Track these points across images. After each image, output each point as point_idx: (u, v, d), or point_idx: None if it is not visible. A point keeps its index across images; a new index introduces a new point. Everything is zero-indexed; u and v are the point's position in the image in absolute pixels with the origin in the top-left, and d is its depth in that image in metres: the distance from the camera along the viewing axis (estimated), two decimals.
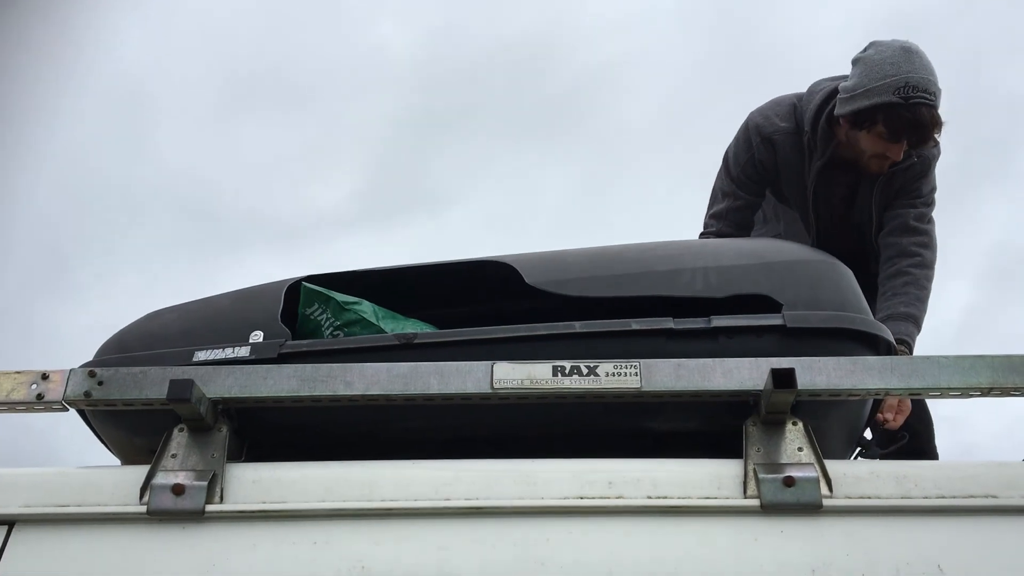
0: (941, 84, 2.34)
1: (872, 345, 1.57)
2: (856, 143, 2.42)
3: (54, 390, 1.46)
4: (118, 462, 1.75)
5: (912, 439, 2.36)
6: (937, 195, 2.56)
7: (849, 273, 1.69)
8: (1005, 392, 1.40)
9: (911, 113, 2.28)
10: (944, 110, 2.34)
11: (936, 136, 2.33)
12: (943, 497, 1.31)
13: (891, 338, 1.58)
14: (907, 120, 2.29)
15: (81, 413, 1.65)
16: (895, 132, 2.32)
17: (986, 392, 1.40)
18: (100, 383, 1.46)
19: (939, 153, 2.50)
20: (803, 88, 2.66)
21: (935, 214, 2.56)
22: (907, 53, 2.30)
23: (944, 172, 2.59)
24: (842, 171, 2.51)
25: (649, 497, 1.33)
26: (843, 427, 1.59)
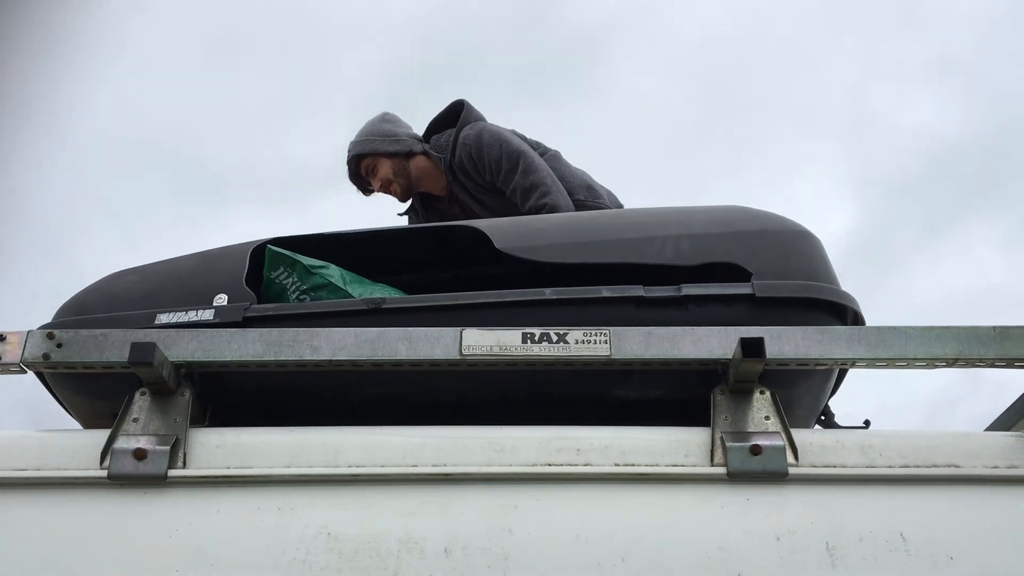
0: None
1: (840, 315, 1.57)
2: None
3: (11, 352, 1.42)
4: (78, 426, 1.72)
5: None
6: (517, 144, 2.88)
7: (818, 242, 1.69)
8: (970, 363, 1.41)
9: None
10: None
11: (370, 176, 3.05)
12: (907, 466, 1.32)
13: (859, 308, 1.59)
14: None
15: (40, 376, 1.61)
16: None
17: (951, 363, 1.41)
18: (59, 345, 1.42)
19: (482, 135, 2.88)
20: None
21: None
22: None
23: None
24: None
25: (617, 464, 1.33)
26: (809, 396, 1.60)
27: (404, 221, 3.20)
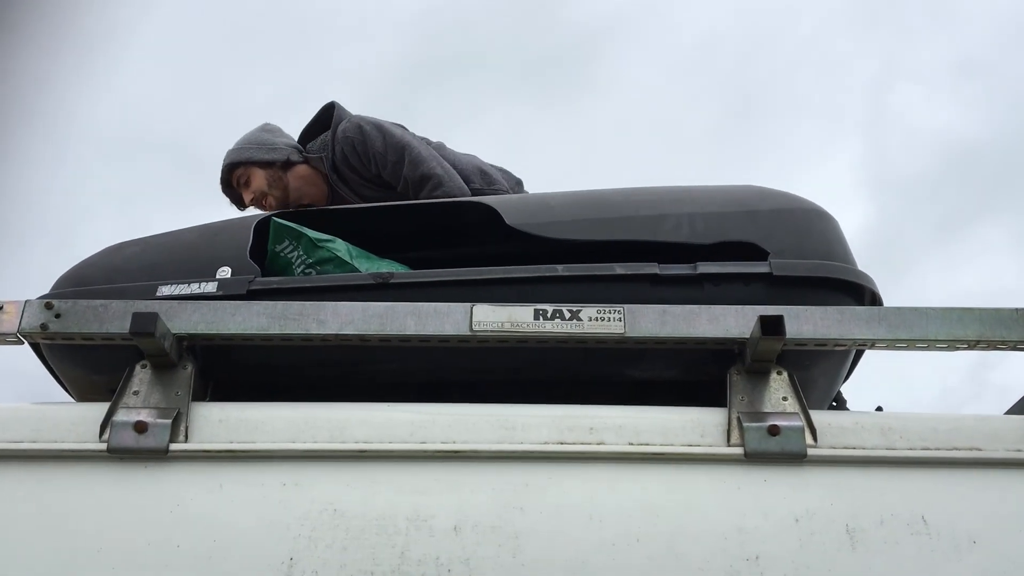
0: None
1: (857, 295, 1.54)
2: None
3: (8, 322, 1.39)
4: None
5: None
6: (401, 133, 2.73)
7: (835, 222, 1.66)
8: (992, 345, 1.38)
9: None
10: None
11: (242, 187, 2.80)
12: (928, 449, 1.29)
13: (876, 288, 1.56)
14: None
15: (35, 347, 1.57)
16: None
17: (973, 345, 1.38)
18: (58, 315, 1.39)
19: (363, 126, 2.70)
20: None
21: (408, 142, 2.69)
22: None
23: None
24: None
25: (631, 444, 1.30)
26: (824, 379, 1.57)
27: None
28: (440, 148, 2.82)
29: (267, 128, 2.93)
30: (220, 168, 2.83)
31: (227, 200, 2.86)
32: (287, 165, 2.79)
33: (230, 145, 2.85)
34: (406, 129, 2.80)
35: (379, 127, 2.71)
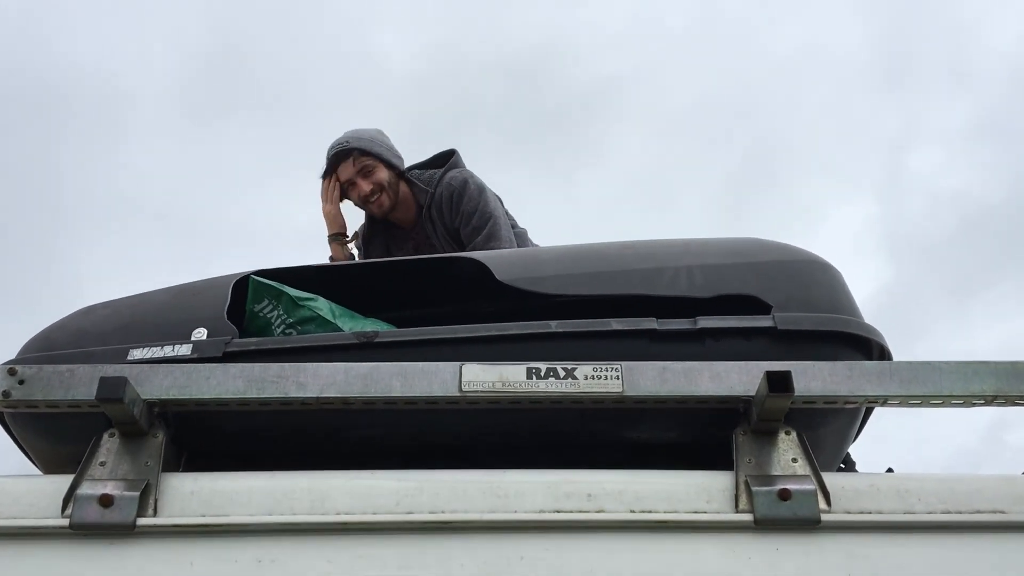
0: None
1: (865, 350, 1.48)
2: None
3: None
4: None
5: None
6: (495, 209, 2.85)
7: (839, 274, 1.60)
8: (1010, 401, 1.31)
9: (327, 156, 2.95)
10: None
11: (362, 175, 2.89)
12: (948, 512, 1.21)
13: (884, 342, 1.49)
14: (328, 160, 2.95)
15: None
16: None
17: (990, 401, 1.31)
18: (21, 382, 1.31)
19: (469, 183, 2.84)
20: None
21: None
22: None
23: None
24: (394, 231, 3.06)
25: (632, 511, 1.22)
26: (833, 439, 1.49)
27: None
28: (522, 236, 2.92)
29: (386, 135, 3.03)
30: (336, 148, 2.90)
31: (324, 182, 2.95)
32: (400, 176, 2.94)
33: (340, 136, 2.94)
34: (501, 203, 2.90)
35: (482, 190, 2.83)
